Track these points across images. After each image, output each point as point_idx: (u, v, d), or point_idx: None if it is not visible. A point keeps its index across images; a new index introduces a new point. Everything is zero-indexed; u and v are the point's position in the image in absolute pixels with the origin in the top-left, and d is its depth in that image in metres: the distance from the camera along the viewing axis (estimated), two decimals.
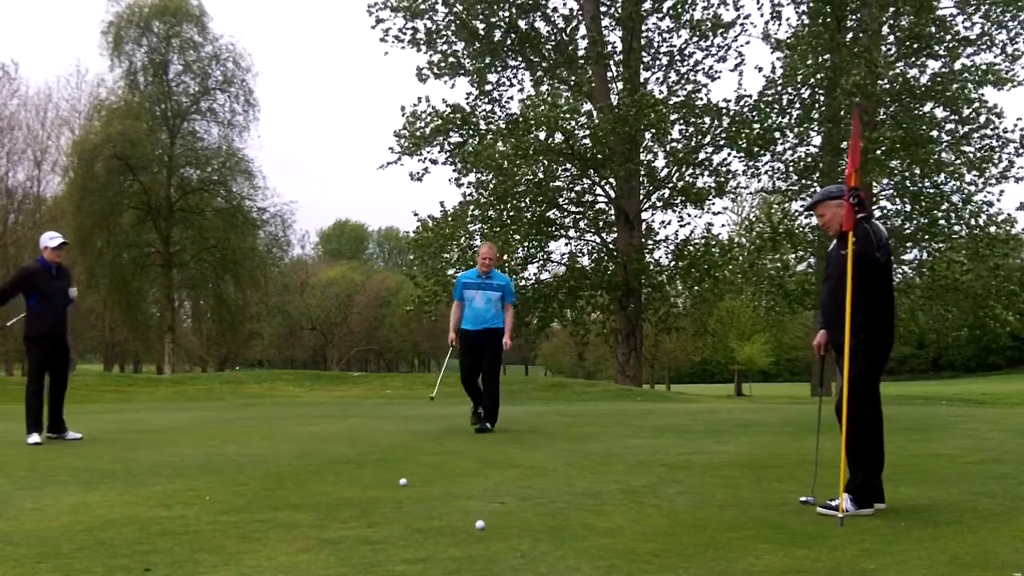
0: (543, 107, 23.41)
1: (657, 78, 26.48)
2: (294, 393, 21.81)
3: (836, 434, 5.57)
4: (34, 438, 9.12)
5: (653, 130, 24.97)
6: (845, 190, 5.41)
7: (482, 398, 10.20)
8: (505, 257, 24.86)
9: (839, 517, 5.02)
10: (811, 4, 24.12)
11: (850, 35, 23.94)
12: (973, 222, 23.66)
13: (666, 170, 26.27)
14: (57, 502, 5.73)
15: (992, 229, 23.55)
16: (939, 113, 23.87)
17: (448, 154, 25.56)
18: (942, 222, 23.87)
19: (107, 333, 53.79)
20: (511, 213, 25.04)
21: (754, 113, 24.59)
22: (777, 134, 24.60)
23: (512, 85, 26.96)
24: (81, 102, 43.69)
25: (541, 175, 25.33)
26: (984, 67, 23.10)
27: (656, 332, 29.50)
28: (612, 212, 26.87)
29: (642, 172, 26.10)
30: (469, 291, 10.23)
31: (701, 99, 25.46)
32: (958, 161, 23.45)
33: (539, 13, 26.61)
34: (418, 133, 25.03)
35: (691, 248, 26.38)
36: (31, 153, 44.17)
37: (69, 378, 9.82)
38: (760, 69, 24.76)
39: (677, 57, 26.21)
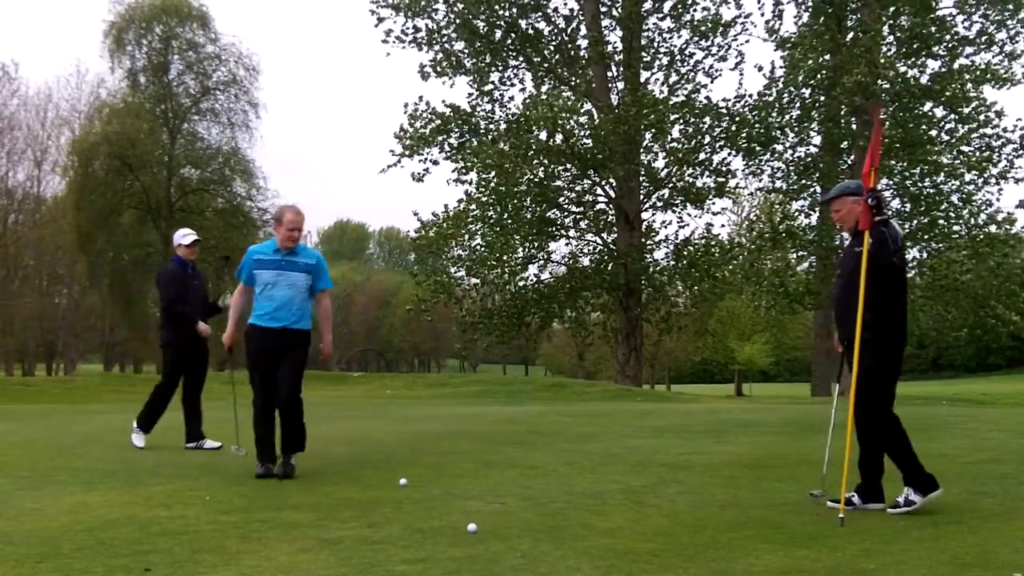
0: (543, 108, 23.41)
1: (657, 78, 26.54)
2: None
3: (844, 431, 5.63)
4: (140, 440, 8.72)
5: (653, 130, 24.98)
6: (863, 188, 5.38)
7: (281, 428, 6.93)
8: (505, 257, 24.82)
9: (840, 517, 5.02)
10: (812, 3, 24.13)
11: (851, 35, 23.94)
12: (973, 222, 23.67)
13: (666, 170, 26.28)
14: (57, 502, 5.72)
15: (992, 228, 23.57)
16: (939, 113, 23.89)
17: (448, 154, 25.56)
18: (942, 222, 23.87)
19: (107, 333, 53.79)
20: (511, 213, 25.04)
21: (754, 113, 24.60)
22: (777, 134, 24.59)
23: (513, 85, 27.03)
24: (81, 102, 43.65)
25: (541, 175, 25.34)
26: (983, 66, 23.12)
27: (657, 332, 29.49)
28: (612, 212, 26.87)
29: (642, 172, 26.10)
30: (264, 272, 6.95)
31: (701, 99, 25.49)
32: (957, 161, 23.46)
33: (540, 13, 26.63)
34: (418, 134, 25.02)
35: (691, 248, 26.38)
36: (31, 153, 44.11)
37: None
38: (760, 68, 24.78)
39: (677, 57, 26.23)
